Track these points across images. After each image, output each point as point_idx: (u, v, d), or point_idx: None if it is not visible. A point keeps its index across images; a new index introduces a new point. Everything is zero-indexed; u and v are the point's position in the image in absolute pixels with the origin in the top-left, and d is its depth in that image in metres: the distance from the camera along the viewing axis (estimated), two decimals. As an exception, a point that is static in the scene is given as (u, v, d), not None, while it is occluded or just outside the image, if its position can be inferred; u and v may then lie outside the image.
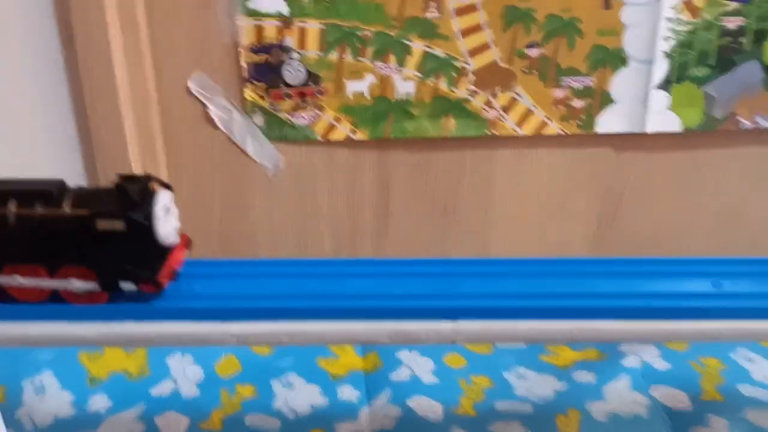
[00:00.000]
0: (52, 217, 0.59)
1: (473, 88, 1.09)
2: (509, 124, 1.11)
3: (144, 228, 0.60)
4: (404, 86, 1.09)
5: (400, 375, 1.08)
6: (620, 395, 1.03)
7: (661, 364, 1.10)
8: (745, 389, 1.04)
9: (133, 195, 0.59)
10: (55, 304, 0.63)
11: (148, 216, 0.59)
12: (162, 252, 0.62)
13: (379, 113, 1.10)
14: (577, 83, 1.09)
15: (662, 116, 1.11)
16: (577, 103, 1.10)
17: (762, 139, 1.16)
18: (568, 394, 1.04)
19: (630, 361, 1.10)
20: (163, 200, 0.61)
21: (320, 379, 1.08)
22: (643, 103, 1.10)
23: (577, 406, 1.01)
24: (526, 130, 1.12)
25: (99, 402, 1.03)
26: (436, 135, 1.12)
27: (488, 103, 1.10)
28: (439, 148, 1.15)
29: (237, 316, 0.63)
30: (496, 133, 1.12)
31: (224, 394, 1.04)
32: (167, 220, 0.61)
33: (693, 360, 1.11)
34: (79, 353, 1.10)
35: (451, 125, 1.11)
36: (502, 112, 1.11)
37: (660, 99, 1.10)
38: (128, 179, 0.62)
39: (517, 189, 1.18)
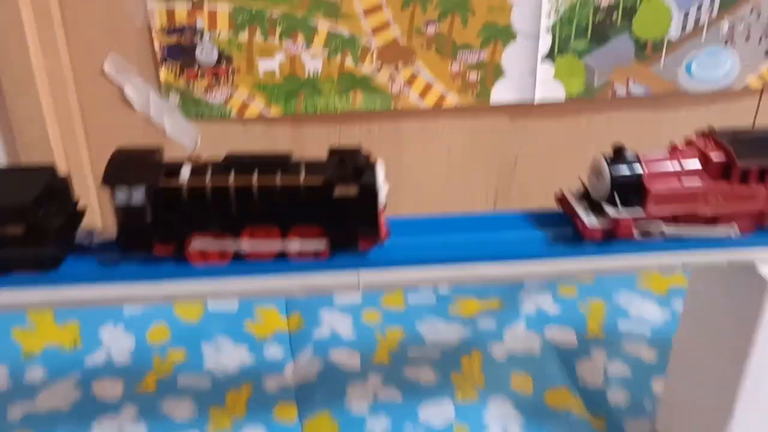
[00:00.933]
0: (291, 186, 0.67)
1: (377, 64, 1.18)
2: (412, 98, 1.21)
3: (374, 193, 0.68)
4: (312, 64, 1.16)
5: (322, 332, 1.18)
6: (517, 337, 1.16)
7: (553, 309, 1.23)
8: (624, 325, 1.19)
9: (362, 165, 0.68)
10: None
11: (375, 183, 0.68)
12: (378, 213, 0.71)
13: (291, 90, 1.18)
14: (471, 57, 1.19)
15: (548, 86, 1.23)
16: (472, 76, 1.21)
17: (636, 105, 1.30)
18: (472, 339, 1.16)
19: (527, 307, 1.23)
20: (382, 170, 0.70)
21: (248, 340, 1.16)
22: (531, 74, 1.21)
23: (479, 348, 1.13)
24: (428, 102, 1.22)
25: (35, 373, 1.08)
26: (344, 109, 1.20)
27: (392, 78, 1.19)
28: (348, 121, 1.23)
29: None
30: (401, 106, 1.21)
31: (156, 359, 1.11)
32: (384, 187, 0.70)
33: (582, 302, 1.25)
34: (13, 329, 1.15)
35: (358, 100, 1.20)
36: (404, 87, 1.20)
37: (546, 70, 1.22)
38: (341, 152, 0.71)
39: (422, 159, 1.28)
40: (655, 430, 0.98)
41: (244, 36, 1.13)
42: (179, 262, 0.69)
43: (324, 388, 1.05)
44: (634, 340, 1.15)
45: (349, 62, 1.17)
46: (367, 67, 1.18)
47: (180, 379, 1.06)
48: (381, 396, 1.04)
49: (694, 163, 0.74)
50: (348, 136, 1.24)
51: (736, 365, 0.79)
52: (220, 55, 1.14)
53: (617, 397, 1.04)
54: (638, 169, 0.72)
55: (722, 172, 0.73)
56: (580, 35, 1.20)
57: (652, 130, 1.32)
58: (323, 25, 1.14)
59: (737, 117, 1.34)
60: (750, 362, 0.78)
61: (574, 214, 0.74)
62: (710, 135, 0.76)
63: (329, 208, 0.68)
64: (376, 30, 1.16)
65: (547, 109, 1.27)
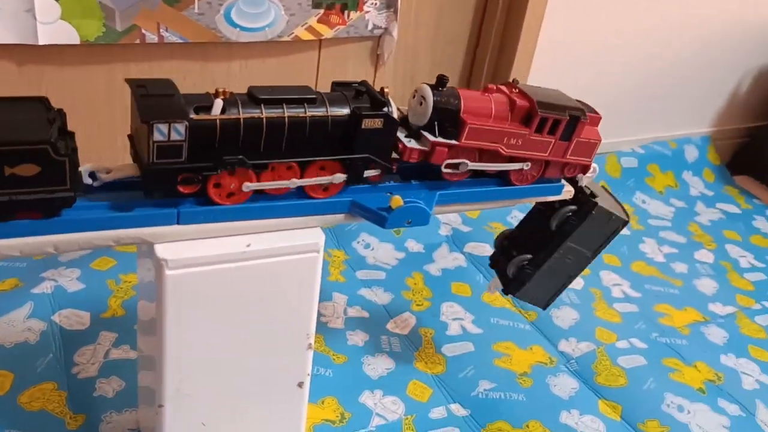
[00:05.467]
0: (320, 118, 0.68)
1: None
2: None
3: (395, 124, 0.71)
4: None
5: None
6: (13, 325, 0.99)
7: (75, 286, 1.08)
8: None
9: (380, 97, 0.70)
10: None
11: (393, 113, 0.70)
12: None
13: None
14: (-60, -14, 0.96)
15: (55, 27, 1.04)
16: (-52, 10, 0.98)
17: (181, 54, 1.17)
18: (-49, 333, 0.96)
19: (43, 287, 1.06)
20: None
21: None
22: (29, 13, 1.01)
23: (-48, 345, 0.94)
24: None
25: None
26: None
27: None
28: None
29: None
30: None
31: None
32: None
33: (112, 278, 1.11)
34: None
35: None
36: None
37: (50, 9, 1.02)
38: (345, 85, 0.72)
39: None
40: (138, 424, 0.88)
41: None
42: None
43: None
44: (155, 317, 1.05)
45: None
46: None
47: None
48: None
49: (503, 106, 0.78)
50: None
51: (159, 348, 0.69)
52: None
53: (107, 388, 0.92)
54: (458, 101, 0.75)
55: (524, 118, 0.78)
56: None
57: (203, 82, 1.21)
58: None
59: (297, 68, 1.28)
60: (167, 347, 0.69)
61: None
62: (515, 85, 0.80)
63: (350, 141, 0.69)
64: None
65: (66, 53, 1.08)
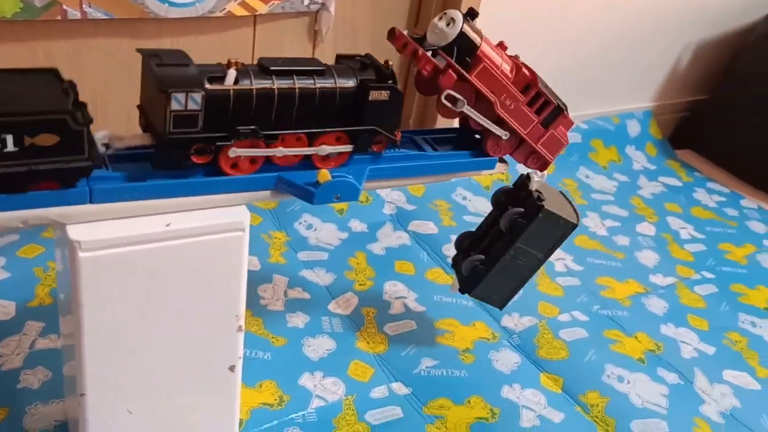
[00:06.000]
0: (329, 90, 0.69)
1: None
2: None
3: (401, 96, 0.72)
4: None
5: None
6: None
7: (3, 275, 1.04)
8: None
9: (385, 70, 0.72)
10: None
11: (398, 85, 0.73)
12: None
13: None
14: None
15: (-32, 2, 0.99)
16: None
17: (109, 32, 1.12)
18: None
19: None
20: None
21: None
22: (-62, -13, 0.96)
23: None
24: None
25: None
26: None
27: None
28: None
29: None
30: None
31: None
32: None
33: (39, 266, 1.07)
34: None
35: None
36: None
37: (-39, -18, 0.97)
38: (348, 57, 0.74)
39: None
40: (65, 415, 0.85)
41: None
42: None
43: None
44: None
45: None
46: None
47: None
48: None
49: (509, 66, 0.81)
50: None
51: (77, 335, 0.66)
52: None
53: (32, 379, 0.89)
54: (481, 38, 0.77)
55: (523, 87, 0.81)
56: (2, -61, 0.97)
57: (132, 60, 1.16)
58: None
59: (231, 45, 1.24)
60: (85, 334, 0.66)
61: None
62: (517, 57, 0.84)
63: (357, 112, 0.71)
64: None
65: (-18, 31, 1.03)
